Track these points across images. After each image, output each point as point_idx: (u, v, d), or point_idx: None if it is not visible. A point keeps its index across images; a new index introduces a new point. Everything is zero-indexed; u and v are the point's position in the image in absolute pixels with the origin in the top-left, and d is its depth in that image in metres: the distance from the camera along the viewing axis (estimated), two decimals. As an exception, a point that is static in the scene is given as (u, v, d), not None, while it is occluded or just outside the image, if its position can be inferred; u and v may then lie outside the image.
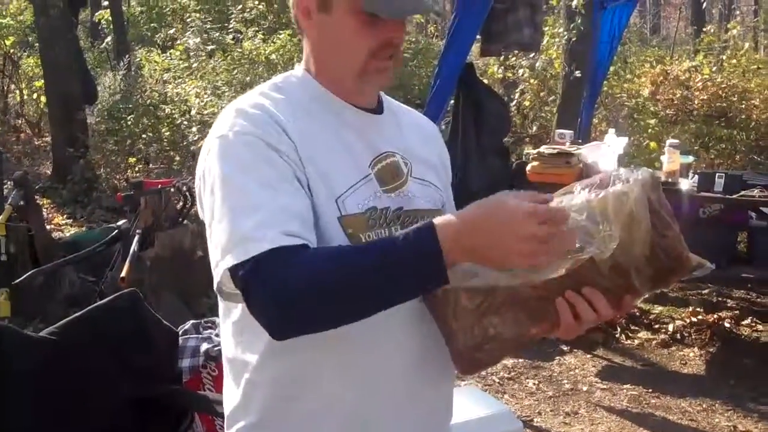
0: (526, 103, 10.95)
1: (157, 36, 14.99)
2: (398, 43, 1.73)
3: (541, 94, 10.96)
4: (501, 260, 1.51)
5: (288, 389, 1.71)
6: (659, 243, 1.55)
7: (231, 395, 1.80)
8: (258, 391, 1.74)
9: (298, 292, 1.50)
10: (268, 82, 1.81)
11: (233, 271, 1.55)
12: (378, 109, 1.83)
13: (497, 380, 5.54)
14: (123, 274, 4.96)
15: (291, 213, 1.57)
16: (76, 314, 2.75)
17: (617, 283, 1.57)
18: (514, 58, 10.43)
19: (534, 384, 5.50)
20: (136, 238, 5.39)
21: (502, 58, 10.15)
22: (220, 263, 1.58)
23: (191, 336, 3.20)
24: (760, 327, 6.54)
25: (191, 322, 3.29)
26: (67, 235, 8.09)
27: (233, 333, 1.78)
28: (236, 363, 1.77)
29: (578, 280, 1.55)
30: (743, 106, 11.26)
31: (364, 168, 1.72)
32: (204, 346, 3.12)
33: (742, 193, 6.06)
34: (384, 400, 1.73)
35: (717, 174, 6.21)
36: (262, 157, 1.61)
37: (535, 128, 11.11)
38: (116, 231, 5.62)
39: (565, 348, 6.07)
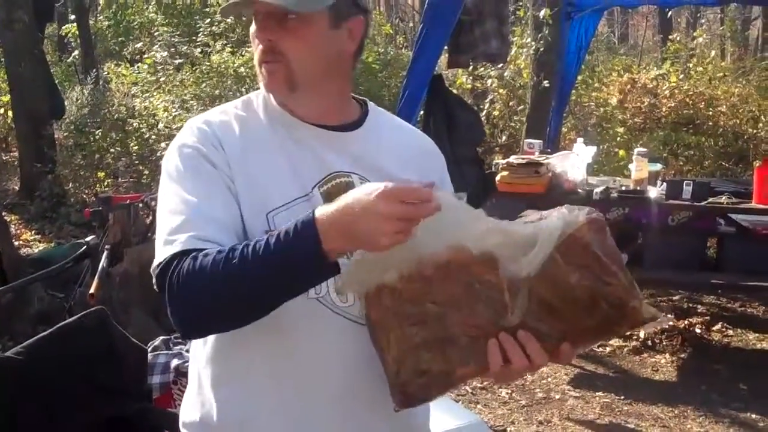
0: (496, 113, 10.99)
1: (124, 50, 14.92)
2: (274, 49, 1.70)
3: (510, 103, 11.01)
4: (371, 241, 1.48)
5: (223, 393, 1.76)
6: (600, 290, 1.50)
7: (186, 400, 1.88)
8: (202, 393, 1.80)
9: (193, 293, 1.57)
10: (237, 99, 1.84)
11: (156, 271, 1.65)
12: (353, 125, 1.81)
13: (470, 390, 5.53)
14: (92, 290, 4.90)
15: (208, 218, 1.63)
16: (43, 333, 2.72)
17: (555, 328, 1.53)
18: (482, 69, 10.46)
19: (507, 393, 5.50)
20: (105, 253, 5.34)
21: (470, 68, 10.17)
22: (154, 261, 1.66)
23: (161, 352, 3.17)
24: (730, 332, 6.58)
25: (161, 338, 3.26)
26: (36, 251, 8.01)
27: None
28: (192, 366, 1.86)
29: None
30: (710, 113, 11.37)
31: (307, 187, 1.72)
32: (174, 362, 3.10)
33: (711, 200, 6.11)
34: (307, 420, 1.73)
35: (685, 182, 6.26)
36: (195, 169, 1.69)
37: (504, 138, 11.15)
38: (85, 247, 5.56)
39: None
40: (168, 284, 1.59)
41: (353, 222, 1.47)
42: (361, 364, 1.71)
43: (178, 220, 1.63)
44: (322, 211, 1.50)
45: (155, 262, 1.63)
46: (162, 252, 1.62)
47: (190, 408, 1.82)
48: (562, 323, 1.52)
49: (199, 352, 1.80)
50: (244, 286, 1.54)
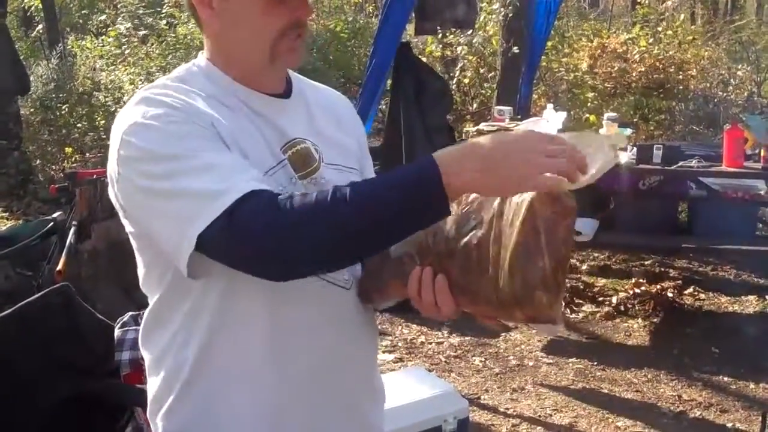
0: (466, 81, 10.93)
1: (89, 23, 14.72)
2: (305, 21, 1.68)
3: (481, 71, 10.95)
4: (506, 181, 1.37)
5: (195, 371, 1.67)
6: (523, 266, 1.43)
7: (152, 384, 1.76)
8: (176, 380, 1.70)
9: (297, 215, 1.41)
10: (169, 75, 1.72)
11: (205, 236, 1.44)
12: (286, 93, 1.77)
13: (443, 359, 5.53)
14: (59, 267, 4.85)
15: (245, 164, 1.52)
16: (5, 312, 2.67)
17: (467, 280, 1.51)
18: (451, 36, 10.39)
19: (480, 361, 5.50)
20: (72, 230, 5.28)
21: (439, 36, 10.11)
22: (188, 233, 1.45)
23: (130, 328, 3.12)
24: (702, 296, 6.62)
25: (130, 313, 3.21)
26: (2, 228, 7.91)
27: (151, 320, 1.74)
28: (155, 350, 1.74)
29: (440, 261, 1.53)
30: (680, 77, 11.37)
31: (278, 154, 1.66)
32: (143, 337, 3.06)
33: (681, 163, 6.12)
34: (294, 388, 1.69)
35: (655, 146, 6.26)
36: (191, 128, 1.53)
37: (475, 105, 11.11)
38: (51, 223, 5.50)
39: (510, 324, 6.07)
40: (246, 224, 1.41)
41: (495, 157, 1.38)
42: (345, 327, 1.72)
43: (213, 173, 1.45)
44: (443, 151, 1.42)
45: (203, 225, 1.42)
46: (216, 205, 1.41)
47: (165, 397, 1.72)
48: (474, 277, 1.49)
49: (167, 338, 1.68)
50: (366, 219, 1.41)
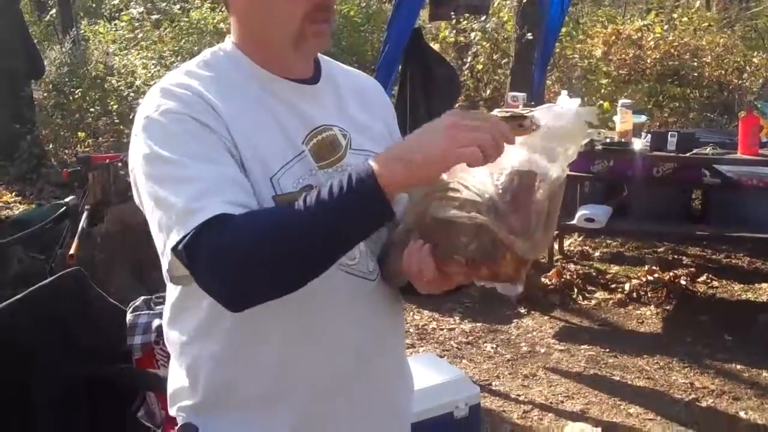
0: (479, 67, 10.89)
1: (103, 7, 14.72)
2: (332, 4, 1.67)
3: (494, 57, 10.92)
4: (423, 156, 1.42)
5: (227, 370, 1.66)
6: (505, 220, 1.48)
7: (175, 375, 1.76)
8: (200, 371, 1.69)
9: (245, 256, 1.44)
10: (196, 58, 1.72)
11: (177, 247, 1.48)
12: (315, 78, 1.75)
13: (455, 345, 5.53)
14: (72, 251, 4.87)
15: (230, 180, 1.51)
16: (17, 296, 2.67)
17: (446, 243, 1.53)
18: (465, 22, 10.35)
19: (492, 348, 5.49)
20: (85, 214, 5.29)
21: (453, 21, 10.06)
22: (167, 243, 1.50)
23: (143, 312, 3.12)
24: (715, 284, 6.59)
25: (142, 298, 3.20)
26: (15, 213, 7.94)
27: (172, 313, 1.74)
28: (178, 343, 1.74)
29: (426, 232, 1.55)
30: (695, 64, 11.31)
31: (298, 145, 1.64)
32: (156, 322, 3.04)
33: (695, 151, 6.09)
34: (330, 385, 1.68)
35: (669, 133, 6.22)
36: (192, 133, 1.54)
37: (489, 92, 11.08)
38: (64, 207, 5.52)
39: (522, 310, 6.08)
40: (205, 253, 1.44)
41: (416, 147, 1.44)
42: (372, 319, 1.72)
43: (195, 187, 1.47)
44: (376, 156, 1.48)
45: (176, 237, 1.46)
46: (185, 224, 1.46)
47: (190, 389, 1.72)
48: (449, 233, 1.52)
49: (192, 328, 1.69)
50: (306, 243, 1.46)
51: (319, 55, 1.79)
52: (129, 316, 3.05)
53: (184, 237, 1.45)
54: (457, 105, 7.47)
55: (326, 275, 1.52)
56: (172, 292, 1.72)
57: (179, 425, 1.73)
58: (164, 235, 1.50)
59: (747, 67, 11.77)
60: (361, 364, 1.71)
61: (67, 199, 5.64)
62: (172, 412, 1.76)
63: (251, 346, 1.63)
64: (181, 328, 1.71)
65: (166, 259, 1.52)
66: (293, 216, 1.46)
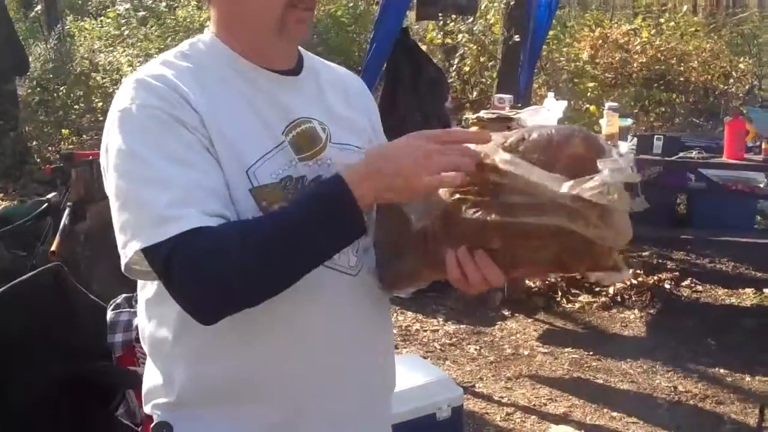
0: (466, 69, 10.88)
1: (89, 4, 14.65)
2: None
3: (481, 59, 10.90)
4: (405, 181, 1.45)
5: (203, 367, 1.63)
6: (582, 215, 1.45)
7: (150, 372, 1.73)
8: (175, 368, 1.66)
9: (220, 272, 1.43)
10: (174, 49, 1.69)
11: (150, 251, 1.46)
12: (296, 70, 1.73)
13: (438, 346, 5.51)
14: (53, 247, 4.83)
15: (207, 190, 1.49)
16: (-5, 291, 2.63)
17: (517, 248, 1.49)
18: (452, 23, 10.34)
19: (476, 349, 5.48)
20: (67, 211, 5.25)
21: (440, 23, 10.05)
22: (131, 243, 1.47)
23: (124, 310, 3.09)
24: (699, 288, 6.60)
25: (123, 295, 3.18)
26: (-2, 209, 7.88)
27: (147, 309, 1.71)
28: (153, 340, 1.70)
29: (470, 238, 1.50)
30: (682, 68, 11.36)
31: (278, 136, 1.62)
32: (137, 320, 3.02)
33: (681, 155, 6.10)
34: (313, 382, 1.65)
35: (655, 136, 6.24)
36: (167, 130, 1.51)
37: (475, 94, 11.06)
38: (46, 204, 5.47)
39: (506, 313, 6.07)
40: (184, 265, 1.43)
41: (390, 170, 1.46)
42: (355, 314, 1.69)
43: (171, 193, 1.45)
44: (349, 169, 1.49)
45: (148, 241, 1.45)
46: (161, 230, 1.44)
47: (165, 387, 1.68)
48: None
49: (167, 325, 1.65)
50: (281, 261, 1.47)
51: (302, 49, 1.78)
52: (110, 314, 3.02)
53: (163, 244, 1.44)
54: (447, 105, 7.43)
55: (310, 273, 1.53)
56: (146, 288, 1.68)
57: (154, 423, 1.70)
58: (129, 235, 1.48)
59: (733, 73, 11.82)
60: (342, 360, 1.69)
61: (49, 196, 5.59)
62: (147, 409, 1.73)
63: (228, 343, 1.60)
64: (156, 324, 1.68)
65: (125, 256, 1.50)
66: (267, 231, 1.46)
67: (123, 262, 1.52)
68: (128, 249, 1.48)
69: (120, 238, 1.51)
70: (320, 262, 1.53)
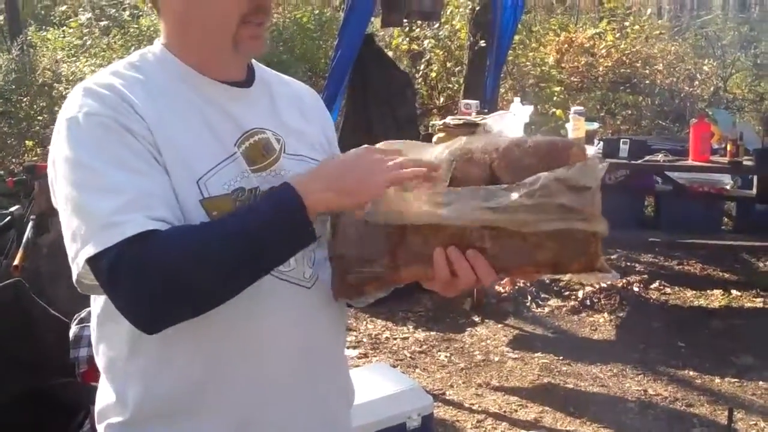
0: (433, 75, 10.89)
1: (51, 13, 14.52)
2: (268, 7, 1.62)
3: (448, 64, 10.91)
4: (357, 183, 1.50)
5: (157, 384, 1.58)
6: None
7: (103, 390, 1.68)
8: (129, 386, 1.61)
9: (166, 277, 1.41)
10: (124, 59, 1.67)
11: (94, 261, 1.42)
12: (248, 81, 1.72)
13: (408, 354, 5.49)
14: (16, 261, 4.75)
15: (153, 196, 1.46)
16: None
17: (510, 248, 1.49)
18: (418, 29, 10.34)
19: (446, 357, 5.46)
20: (30, 224, 5.17)
21: (406, 29, 10.05)
22: (80, 252, 1.44)
23: (88, 324, 3.05)
24: (668, 290, 6.62)
25: (88, 309, 3.13)
26: (-41, 222, 7.77)
27: (98, 327, 1.66)
28: (106, 358, 1.65)
29: (464, 240, 1.49)
30: (647, 71, 11.42)
31: (230, 147, 1.60)
32: (99, 335, 2.98)
33: (647, 158, 6.12)
34: (264, 393, 1.62)
35: (622, 140, 6.26)
36: (115, 138, 1.48)
37: (442, 99, 11.06)
38: (9, 217, 5.39)
39: (476, 319, 6.06)
40: (126, 272, 1.40)
41: (339, 176, 1.51)
42: (308, 326, 1.67)
43: (118, 200, 1.42)
44: (298, 178, 1.53)
45: (93, 249, 1.41)
46: (105, 237, 1.40)
47: (118, 405, 1.63)
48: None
49: (119, 342, 1.60)
50: (227, 266, 1.44)
51: (253, 61, 1.76)
52: (74, 328, 2.97)
53: (104, 251, 1.41)
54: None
55: (259, 282, 1.51)
56: (97, 302, 1.64)
57: None
58: (79, 244, 1.45)
59: (698, 75, 11.90)
60: (297, 372, 1.66)
61: (12, 209, 5.50)
62: (100, 430, 1.68)
63: (181, 357, 1.57)
64: (108, 340, 1.64)
65: (76, 267, 1.47)
66: (215, 237, 1.45)
67: (75, 273, 1.48)
68: (78, 259, 1.44)
69: (71, 249, 1.48)
70: (269, 269, 1.52)
